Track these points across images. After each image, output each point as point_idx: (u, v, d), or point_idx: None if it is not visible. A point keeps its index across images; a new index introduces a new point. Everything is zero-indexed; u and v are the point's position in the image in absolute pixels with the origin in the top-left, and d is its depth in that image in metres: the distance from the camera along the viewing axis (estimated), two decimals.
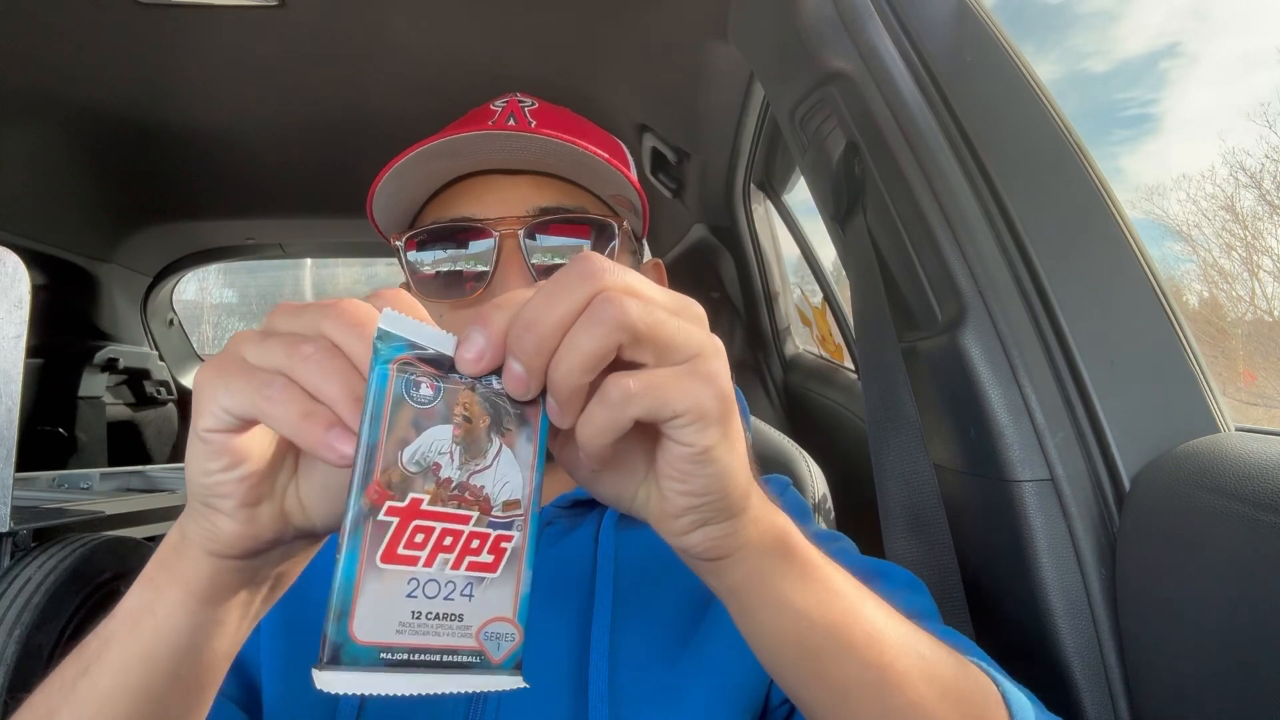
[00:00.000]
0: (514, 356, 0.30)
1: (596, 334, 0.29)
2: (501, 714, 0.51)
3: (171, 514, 2.08)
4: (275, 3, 1.27)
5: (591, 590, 0.56)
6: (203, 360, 3.34)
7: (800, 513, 0.69)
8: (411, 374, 0.30)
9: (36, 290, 1.51)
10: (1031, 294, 0.71)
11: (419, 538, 0.30)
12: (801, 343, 1.71)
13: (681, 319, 0.32)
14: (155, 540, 1.89)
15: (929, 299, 0.79)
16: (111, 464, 2.64)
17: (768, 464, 0.93)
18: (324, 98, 1.64)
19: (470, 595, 0.31)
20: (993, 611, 0.73)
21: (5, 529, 1.47)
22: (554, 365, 0.30)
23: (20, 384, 1.44)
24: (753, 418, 0.98)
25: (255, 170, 2.07)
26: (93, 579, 1.55)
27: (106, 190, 2.21)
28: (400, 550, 0.29)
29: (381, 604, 0.29)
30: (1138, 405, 0.67)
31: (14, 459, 1.44)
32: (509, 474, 0.32)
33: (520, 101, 0.67)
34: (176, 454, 3.10)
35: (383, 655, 0.29)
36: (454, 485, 0.31)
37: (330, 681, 0.28)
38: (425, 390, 0.30)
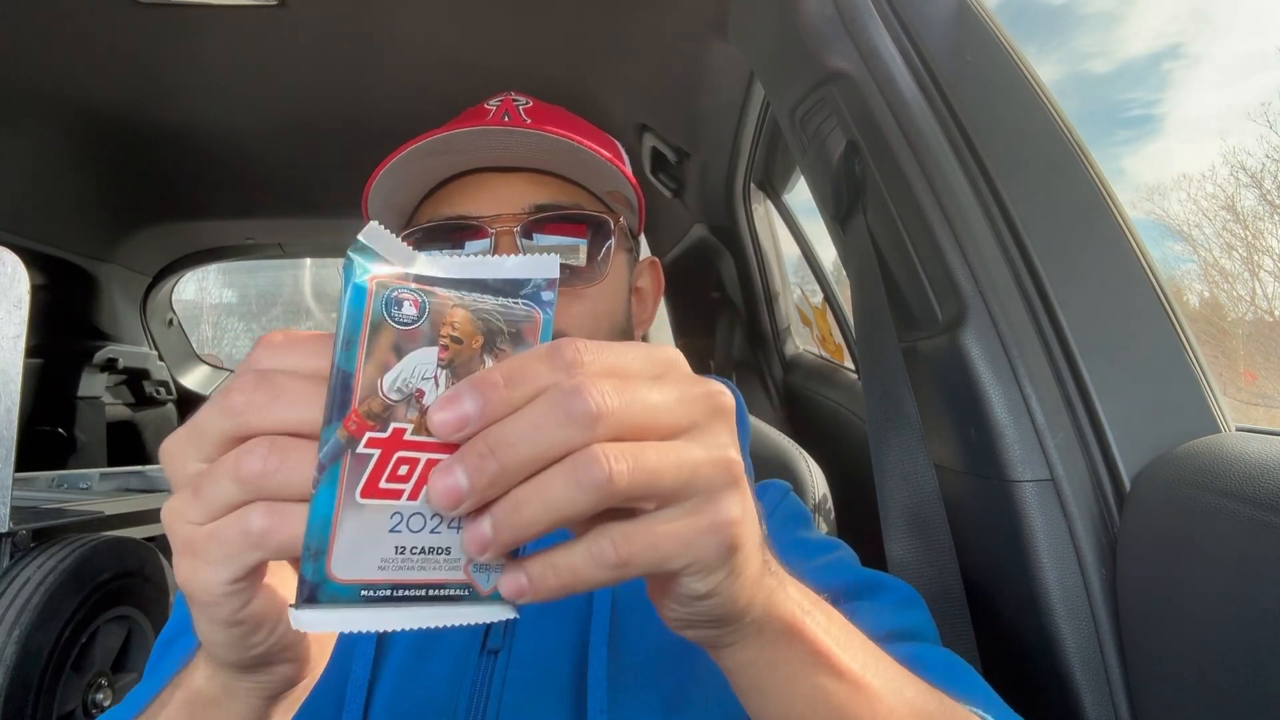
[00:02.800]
0: (464, 470, 0.26)
1: (573, 497, 0.26)
2: None
3: None
4: (275, 2, 1.27)
5: (589, 598, 0.56)
6: (203, 360, 3.34)
7: (799, 520, 0.68)
8: (393, 291, 0.27)
9: (36, 290, 1.51)
10: (1032, 294, 0.71)
11: (403, 470, 0.27)
12: (801, 343, 1.71)
13: (694, 439, 0.29)
14: (155, 541, 1.89)
15: (929, 299, 0.79)
16: (111, 464, 2.64)
17: (768, 464, 0.93)
18: (324, 97, 1.64)
19: (458, 527, 0.28)
20: (993, 612, 0.73)
21: (4, 529, 1.47)
22: (513, 505, 0.26)
23: (20, 384, 1.44)
24: (753, 418, 0.98)
25: (255, 170, 2.07)
26: (92, 579, 1.55)
27: (106, 190, 2.21)
28: (382, 484, 0.27)
29: (361, 541, 0.27)
30: (1138, 405, 0.67)
31: (13, 459, 1.44)
32: None
33: (515, 100, 0.67)
34: None
35: (364, 592, 0.27)
36: None
37: (307, 621, 0.26)
38: (409, 309, 0.27)
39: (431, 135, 0.58)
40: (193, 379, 3.25)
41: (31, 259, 1.81)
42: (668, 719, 0.51)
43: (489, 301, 0.28)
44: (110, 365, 2.78)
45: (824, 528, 0.87)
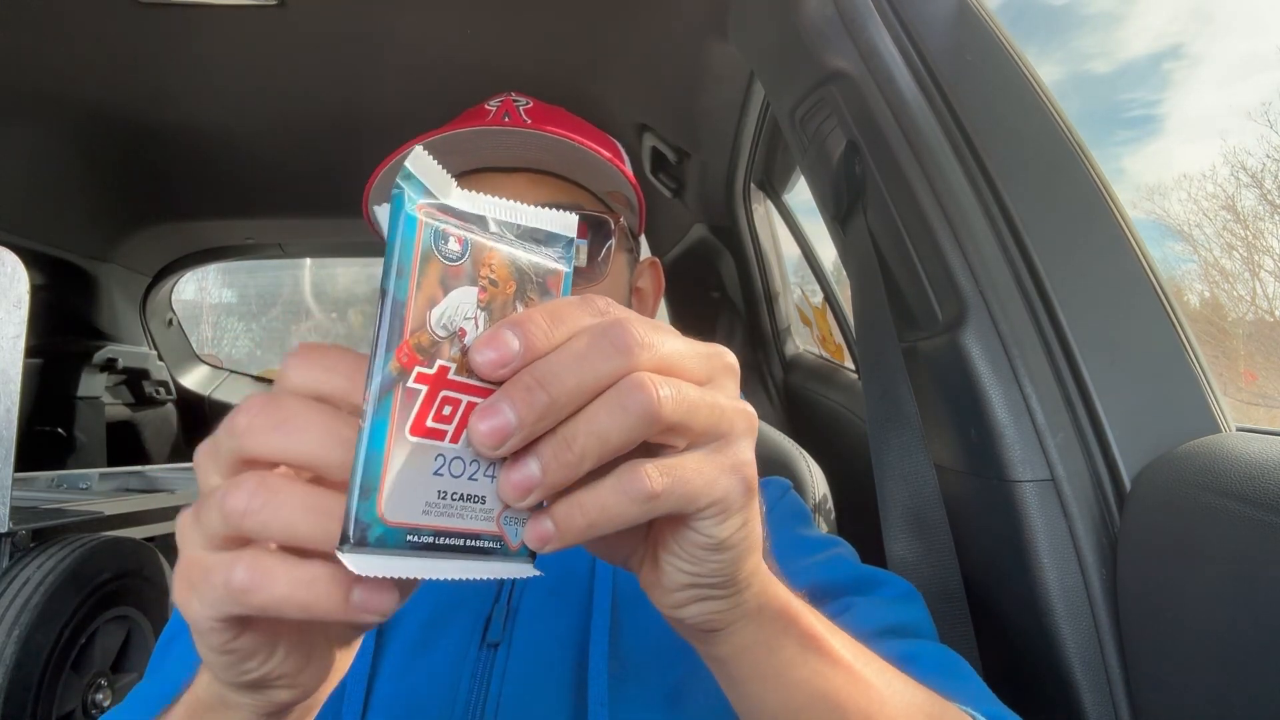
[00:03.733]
0: (511, 406, 0.26)
1: (622, 424, 0.26)
2: (500, 717, 0.51)
3: (171, 514, 2.08)
4: (275, 2, 1.27)
5: (590, 592, 0.56)
6: (202, 360, 3.34)
7: (800, 517, 0.69)
8: (440, 224, 0.27)
9: (36, 290, 1.51)
10: (1032, 294, 0.71)
11: (446, 410, 0.27)
12: (802, 343, 1.71)
13: (714, 389, 0.29)
14: (155, 541, 1.89)
15: (929, 299, 0.79)
16: (110, 464, 2.64)
17: (768, 464, 0.93)
18: (323, 98, 1.64)
19: (493, 476, 0.28)
20: (993, 612, 0.73)
21: (4, 529, 1.47)
22: (562, 440, 0.26)
23: (19, 384, 1.44)
24: None
25: (255, 170, 2.07)
26: (91, 579, 1.55)
27: (106, 190, 2.21)
28: (429, 423, 0.27)
29: (409, 481, 0.26)
30: (1138, 405, 0.67)
31: (13, 459, 1.44)
32: None
33: (515, 100, 0.67)
34: (175, 454, 3.10)
35: (409, 538, 0.27)
36: None
37: (358, 564, 0.26)
38: (454, 245, 0.27)
39: (432, 135, 0.59)
40: (192, 379, 3.25)
41: (31, 259, 1.81)
42: (668, 713, 0.51)
43: (519, 248, 0.29)
44: (110, 365, 2.78)
45: (824, 527, 0.87)
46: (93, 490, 2.23)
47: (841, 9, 0.85)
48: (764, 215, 1.70)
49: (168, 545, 1.97)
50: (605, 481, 0.27)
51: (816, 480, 0.93)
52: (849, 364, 1.43)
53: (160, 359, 3.07)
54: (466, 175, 0.63)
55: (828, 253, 1.52)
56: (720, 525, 0.30)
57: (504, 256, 0.28)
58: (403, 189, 0.26)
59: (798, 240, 1.60)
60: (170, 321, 3.17)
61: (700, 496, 0.28)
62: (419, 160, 0.27)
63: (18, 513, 1.64)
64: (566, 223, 0.31)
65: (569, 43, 1.41)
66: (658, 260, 0.75)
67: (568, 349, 0.27)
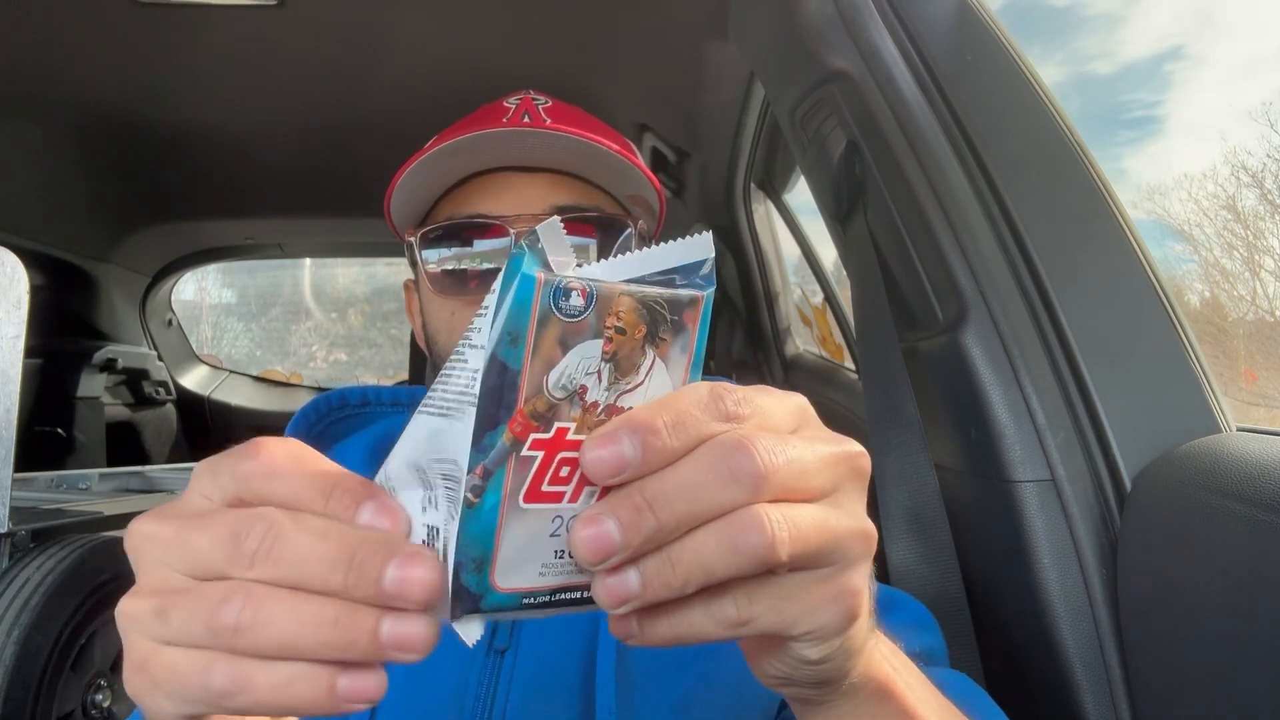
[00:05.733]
0: (617, 523, 0.24)
1: (730, 562, 0.25)
2: None
3: None
4: (274, 2, 1.27)
5: None
6: (202, 360, 3.34)
7: None
8: (561, 280, 0.25)
9: (35, 290, 1.51)
10: (1033, 294, 0.71)
11: (564, 471, 0.26)
12: (802, 343, 1.71)
13: (835, 505, 0.27)
14: None
15: (930, 299, 0.79)
16: (110, 464, 2.64)
17: None
18: (323, 97, 1.64)
19: None
20: (993, 612, 0.73)
21: (4, 530, 1.47)
22: (667, 563, 0.25)
23: (19, 384, 1.43)
24: None
25: (254, 170, 2.06)
26: (91, 580, 1.55)
27: (106, 190, 2.21)
28: (544, 488, 0.26)
29: (524, 547, 0.26)
30: (1139, 405, 0.67)
31: (12, 459, 1.44)
32: (661, 390, 0.27)
33: (534, 99, 0.67)
34: (175, 454, 3.10)
35: (525, 600, 0.26)
36: (600, 410, 0.26)
37: (472, 632, 0.26)
38: (576, 300, 0.25)
39: (461, 135, 0.59)
40: (192, 379, 3.24)
41: (31, 259, 1.81)
42: None
43: (653, 283, 0.27)
44: (109, 365, 2.77)
45: None
46: (92, 491, 2.22)
47: (841, 9, 0.85)
48: (764, 215, 1.70)
49: None
50: (696, 600, 0.26)
51: None
52: (849, 364, 1.43)
53: (160, 359, 3.07)
54: (486, 174, 0.63)
55: (828, 253, 1.52)
56: (814, 649, 0.29)
57: (634, 300, 0.26)
58: (525, 250, 0.25)
59: (798, 240, 1.60)
60: (170, 322, 3.17)
61: (795, 625, 0.27)
62: (551, 231, 0.25)
63: (18, 513, 1.63)
64: (702, 246, 0.28)
65: (569, 42, 1.41)
66: None
67: (686, 471, 0.25)
